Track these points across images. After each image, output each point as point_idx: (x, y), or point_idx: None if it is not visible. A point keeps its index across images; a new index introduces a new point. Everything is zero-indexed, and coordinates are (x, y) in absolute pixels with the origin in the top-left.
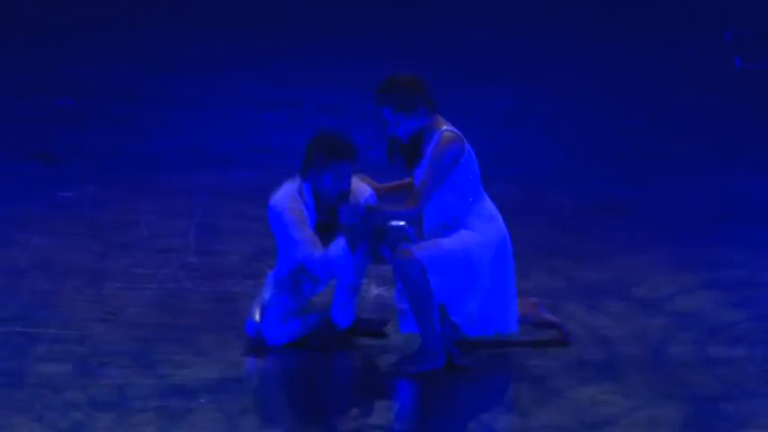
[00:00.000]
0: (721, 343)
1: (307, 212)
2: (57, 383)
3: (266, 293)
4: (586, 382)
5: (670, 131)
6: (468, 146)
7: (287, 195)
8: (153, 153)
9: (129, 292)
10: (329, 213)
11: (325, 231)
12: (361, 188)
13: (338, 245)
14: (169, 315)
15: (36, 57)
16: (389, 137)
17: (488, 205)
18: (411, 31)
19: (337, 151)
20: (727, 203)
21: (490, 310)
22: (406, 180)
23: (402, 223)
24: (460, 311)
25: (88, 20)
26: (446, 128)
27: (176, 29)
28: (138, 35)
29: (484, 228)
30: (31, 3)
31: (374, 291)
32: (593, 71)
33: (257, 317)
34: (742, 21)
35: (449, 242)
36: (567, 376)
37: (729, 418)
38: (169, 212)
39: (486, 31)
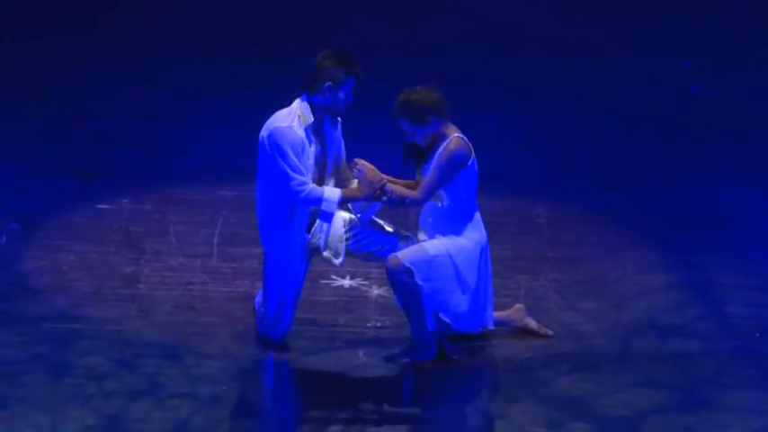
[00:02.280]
0: (681, 337)
1: (307, 138)
2: (98, 373)
3: (260, 299)
4: (563, 372)
5: (635, 150)
6: (473, 155)
7: (290, 126)
8: (179, 169)
9: (159, 292)
10: (321, 144)
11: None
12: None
13: (334, 194)
14: (195, 313)
15: (75, 84)
16: (408, 143)
17: (477, 212)
18: (404, 59)
19: (355, 65)
20: (687, 214)
21: (476, 308)
22: (412, 182)
23: (359, 216)
24: (449, 311)
25: (119, 52)
26: (457, 134)
27: (199, 57)
28: (165, 64)
29: (471, 231)
30: (67, 40)
31: (375, 291)
32: (568, 95)
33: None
34: (698, 51)
35: (434, 247)
36: (545, 367)
37: (688, 403)
38: (194, 222)
39: (471, 60)
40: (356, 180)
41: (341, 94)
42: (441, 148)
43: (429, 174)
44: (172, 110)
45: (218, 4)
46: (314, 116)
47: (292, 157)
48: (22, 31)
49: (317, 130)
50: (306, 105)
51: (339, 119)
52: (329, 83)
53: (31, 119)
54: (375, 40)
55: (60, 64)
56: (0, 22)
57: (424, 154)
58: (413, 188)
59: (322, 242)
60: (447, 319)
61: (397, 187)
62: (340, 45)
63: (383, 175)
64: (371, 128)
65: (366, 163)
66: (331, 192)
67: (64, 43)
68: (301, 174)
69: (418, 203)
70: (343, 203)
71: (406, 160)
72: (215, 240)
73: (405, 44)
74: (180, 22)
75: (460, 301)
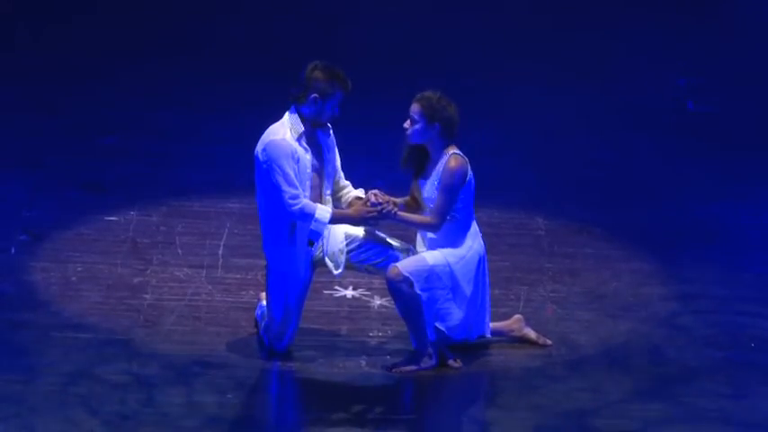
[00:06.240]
0: (676, 348)
1: (301, 147)
2: (106, 382)
3: (260, 311)
4: (559, 379)
5: (631, 164)
6: (470, 170)
7: (283, 138)
8: (186, 183)
9: (165, 302)
10: (317, 149)
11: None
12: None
13: (325, 215)
14: (200, 322)
15: (84, 102)
16: (410, 147)
17: (474, 223)
18: (405, 73)
19: (343, 80)
20: (680, 227)
21: (471, 317)
22: (408, 198)
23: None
24: (445, 319)
25: (130, 69)
26: (453, 151)
27: (206, 77)
28: (172, 82)
29: (470, 241)
30: (80, 57)
31: (377, 301)
32: (567, 109)
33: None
34: (693, 70)
35: (433, 258)
36: (542, 375)
37: (683, 412)
38: (200, 234)
39: (471, 74)
40: (353, 191)
41: (327, 107)
42: (441, 168)
43: (437, 198)
44: (179, 126)
45: (226, 24)
46: (304, 126)
47: (287, 169)
48: (35, 46)
49: (309, 138)
50: (295, 117)
51: (330, 125)
52: (316, 94)
53: (41, 133)
54: (379, 55)
55: (72, 80)
56: (13, 37)
57: (423, 166)
58: (408, 204)
59: (324, 253)
60: (443, 328)
61: (406, 215)
62: (343, 62)
63: (393, 207)
64: (370, 141)
65: (379, 194)
66: (322, 212)
67: (77, 60)
68: (295, 187)
69: (435, 229)
70: (333, 223)
71: (405, 163)
72: (220, 252)
73: (406, 59)
74: (189, 41)
75: (457, 310)
